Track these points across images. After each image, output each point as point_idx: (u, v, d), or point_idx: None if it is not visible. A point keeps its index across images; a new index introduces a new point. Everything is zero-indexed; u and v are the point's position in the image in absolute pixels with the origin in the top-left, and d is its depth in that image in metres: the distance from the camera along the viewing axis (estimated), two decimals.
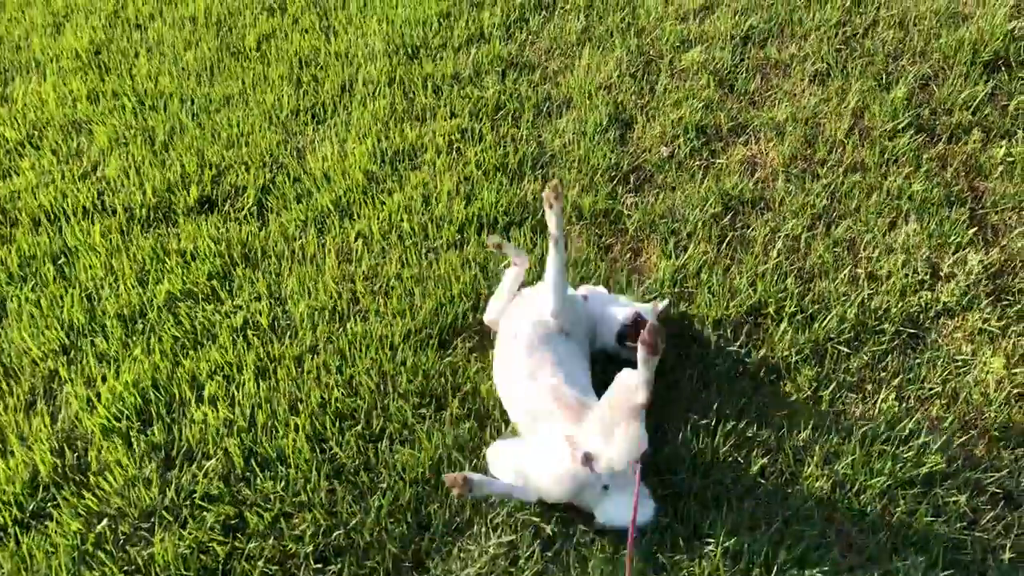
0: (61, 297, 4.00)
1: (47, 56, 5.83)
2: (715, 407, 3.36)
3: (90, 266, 4.15)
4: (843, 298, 3.77)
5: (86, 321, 3.87)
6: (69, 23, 6.23)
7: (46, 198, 4.56)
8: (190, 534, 3.07)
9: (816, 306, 3.75)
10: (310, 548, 3.01)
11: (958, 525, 3.02)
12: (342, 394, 3.45)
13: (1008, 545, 2.98)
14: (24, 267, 4.19)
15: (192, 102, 5.25)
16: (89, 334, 3.83)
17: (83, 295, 4.01)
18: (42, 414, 3.51)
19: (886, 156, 4.45)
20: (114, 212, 4.47)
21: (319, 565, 2.99)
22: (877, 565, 2.94)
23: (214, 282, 4.01)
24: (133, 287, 4.01)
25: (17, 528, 3.13)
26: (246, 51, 5.70)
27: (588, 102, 4.95)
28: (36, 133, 5.13)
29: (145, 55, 5.76)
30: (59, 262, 4.21)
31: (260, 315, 3.82)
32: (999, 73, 4.94)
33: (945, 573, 2.90)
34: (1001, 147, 4.46)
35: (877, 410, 3.36)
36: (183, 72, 5.53)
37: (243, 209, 4.44)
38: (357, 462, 3.24)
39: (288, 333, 3.75)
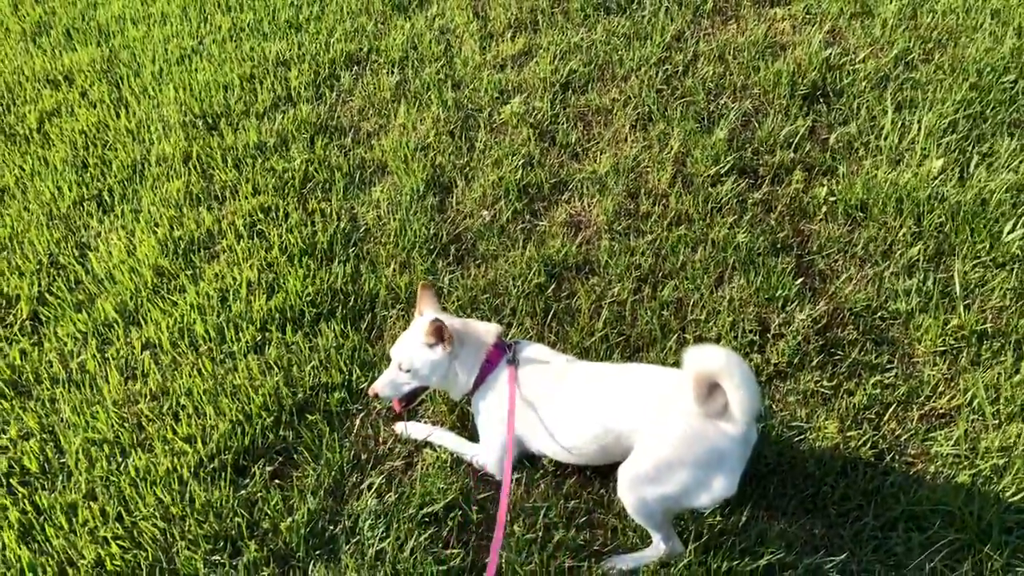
0: None
1: None
2: (543, 514, 3.08)
3: None
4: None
5: None
6: None
7: None
8: None
9: None
10: None
11: None
12: (120, 549, 3.00)
13: None
14: None
15: None
16: None
17: None
18: None
19: (710, 205, 4.31)
20: None
21: None
22: None
23: None
24: None
25: None
26: (27, 133, 5.15)
27: (404, 167, 4.64)
28: None
29: None
30: None
31: (28, 457, 3.32)
32: (818, 104, 4.91)
33: None
34: (824, 186, 4.39)
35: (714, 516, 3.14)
36: None
37: (15, 324, 3.92)
38: None
39: (60, 476, 3.28)
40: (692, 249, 4.10)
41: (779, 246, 4.11)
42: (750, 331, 3.71)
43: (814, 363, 3.58)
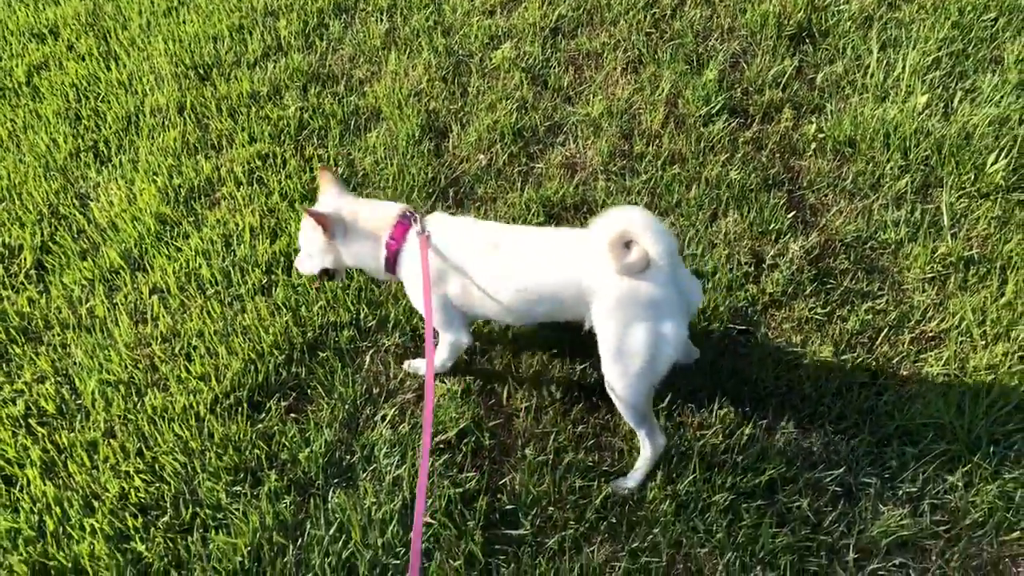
0: None
1: None
2: (552, 439, 3.20)
3: None
4: None
5: None
6: None
7: None
8: None
9: None
10: None
11: (803, 532, 2.96)
12: (144, 482, 3.08)
13: (851, 544, 2.94)
14: None
15: None
16: None
17: None
18: None
19: (703, 144, 4.39)
20: None
21: None
22: None
23: None
24: None
25: None
26: (15, 86, 5.12)
27: (399, 112, 4.68)
28: None
29: None
30: None
31: (45, 399, 3.38)
32: (804, 45, 4.98)
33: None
34: (812, 123, 4.48)
35: (715, 418, 3.27)
36: None
37: (19, 273, 3.95)
38: (166, 560, 2.90)
39: (79, 416, 3.34)
40: (686, 187, 4.19)
41: (770, 182, 4.20)
42: (745, 263, 3.81)
43: (807, 292, 3.70)
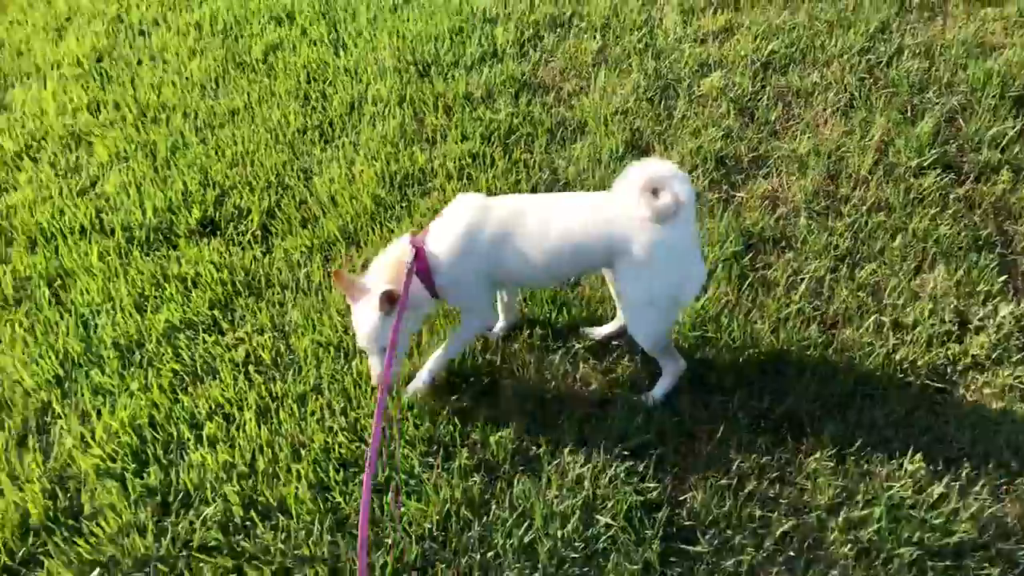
0: (56, 323, 3.86)
1: (48, 62, 5.67)
2: (736, 465, 3.22)
3: (87, 290, 4.00)
4: (868, 347, 3.63)
5: (82, 350, 3.72)
6: (71, 27, 6.08)
7: (43, 215, 4.41)
8: None
9: (840, 356, 3.61)
10: None
11: None
12: (346, 439, 3.30)
13: None
14: (19, 289, 4.06)
15: (196, 116, 5.10)
16: (84, 364, 3.68)
17: (79, 321, 3.86)
18: (34, 450, 3.37)
19: (911, 195, 4.31)
20: (112, 232, 4.32)
21: None
22: None
23: (215, 312, 3.87)
24: (131, 315, 3.87)
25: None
26: (253, 63, 5.55)
27: (604, 128, 4.81)
28: (35, 144, 4.99)
29: (148, 63, 5.61)
30: (55, 285, 4.07)
31: (263, 349, 3.67)
32: None
33: None
34: None
35: (904, 471, 3.22)
36: (187, 83, 5.38)
37: (247, 233, 4.29)
38: (351, 508, 3.10)
39: (291, 370, 3.61)
40: (891, 236, 4.13)
41: (981, 243, 4.09)
42: (948, 321, 3.72)
43: (1014, 359, 3.58)
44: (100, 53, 5.75)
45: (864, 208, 4.27)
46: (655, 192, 2.95)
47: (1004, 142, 4.57)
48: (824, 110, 4.89)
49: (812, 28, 5.51)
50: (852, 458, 3.26)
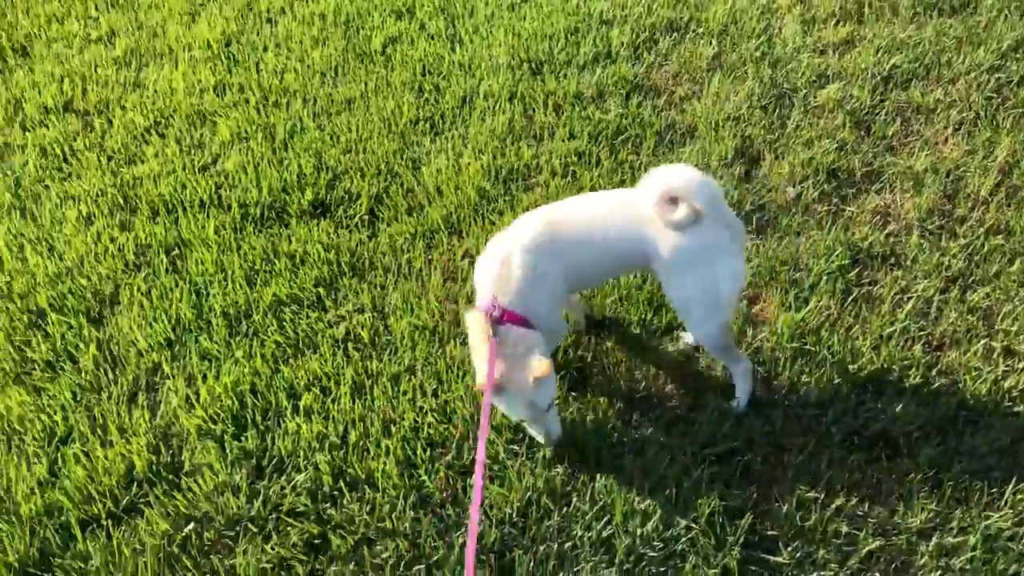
0: (171, 290, 4.06)
1: (180, 44, 5.97)
2: (825, 480, 3.15)
3: (201, 261, 4.19)
4: (975, 372, 3.50)
5: (193, 317, 3.91)
6: (204, 12, 6.37)
7: (166, 188, 4.65)
8: (273, 549, 3.05)
9: (944, 379, 3.48)
10: None
11: None
12: (436, 420, 3.37)
13: None
14: (139, 256, 4.28)
15: (315, 102, 5.28)
16: (195, 330, 3.87)
17: (192, 289, 4.05)
18: (143, 407, 3.57)
19: None
20: (229, 208, 4.52)
21: None
22: None
23: (320, 289, 4.00)
24: (241, 287, 4.04)
25: (109, 521, 3.17)
26: (371, 53, 5.72)
27: (714, 134, 4.76)
28: (163, 121, 5.25)
29: (273, 50, 5.83)
30: (172, 254, 4.28)
31: (362, 328, 3.79)
32: None
33: None
34: None
35: (1004, 502, 3.09)
36: (308, 70, 5.58)
37: (355, 216, 4.42)
38: (445, 494, 3.16)
39: (388, 350, 3.71)
40: (1009, 261, 3.96)
41: None
42: None
43: None
44: (229, 38, 6.01)
45: (982, 230, 4.11)
46: (674, 201, 2.92)
47: None
48: (945, 128, 4.72)
49: (939, 44, 5.32)
50: (949, 483, 3.14)
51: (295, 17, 6.18)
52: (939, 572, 2.91)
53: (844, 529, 3.03)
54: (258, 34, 6.04)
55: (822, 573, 2.92)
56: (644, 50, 5.51)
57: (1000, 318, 3.72)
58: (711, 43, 5.50)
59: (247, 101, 5.31)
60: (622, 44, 5.55)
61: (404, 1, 6.25)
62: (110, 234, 4.38)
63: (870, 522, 3.05)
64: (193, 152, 4.95)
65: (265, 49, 5.85)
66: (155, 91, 5.51)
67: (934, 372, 3.51)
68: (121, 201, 4.61)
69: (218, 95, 5.41)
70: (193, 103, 5.34)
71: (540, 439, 3.13)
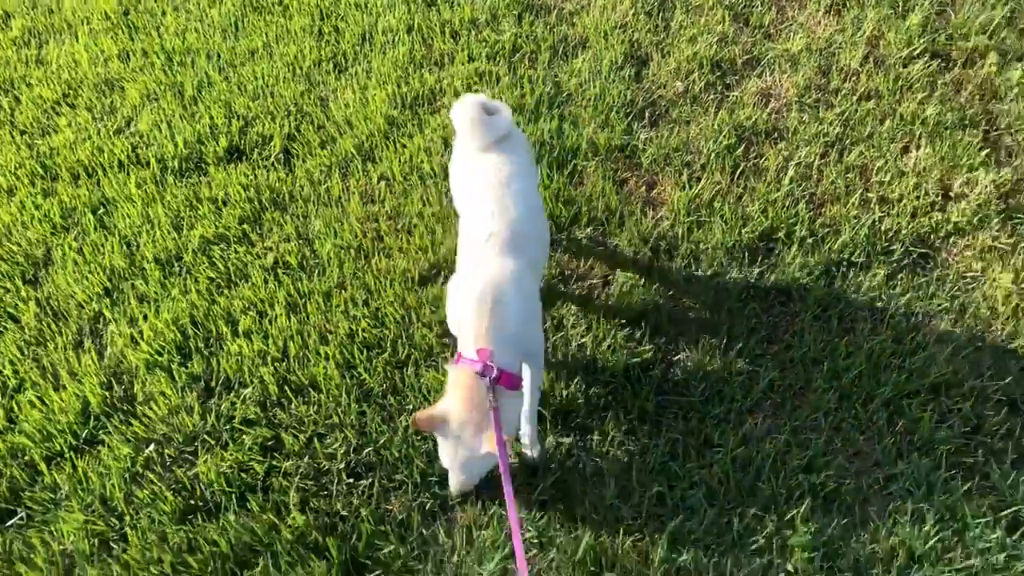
0: (102, 245, 4.21)
1: (78, 18, 5.99)
2: (726, 328, 3.49)
3: (127, 215, 4.34)
4: (854, 221, 3.85)
5: (126, 266, 4.07)
6: None
7: (84, 153, 4.75)
8: (231, 455, 3.28)
9: (827, 229, 3.83)
10: (343, 465, 3.21)
11: (962, 431, 3.13)
12: (369, 325, 3.62)
13: (1010, 448, 3.08)
14: (66, 218, 4.40)
15: (218, 57, 5.40)
16: (130, 277, 4.03)
17: (122, 242, 4.21)
18: (90, 351, 3.74)
19: (900, 83, 4.48)
20: (148, 164, 4.65)
21: (351, 480, 3.19)
22: (882, 469, 3.07)
23: (245, 226, 4.19)
24: (169, 233, 4.20)
25: (72, 453, 3.37)
26: (269, 6, 5.82)
27: (604, 42, 5.01)
28: (71, 92, 5.32)
29: (172, 14, 5.90)
30: (98, 212, 4.41)
31: (289, 255, 3.99)
32: None
33: (948, 474, 3.01)
34: (1017, 69, 4.47)
35: (885, 326, 3.46)
36: (209, 28, 5.67)
37: (270, 157, 4.60)
38: (384, 386, 3.42)
39: (316, 271, 3.93)
40: (880, 121, 4.31)
41: (967, 122, 4.26)
42: (932, 192, 3.93)
43: (994, 223, 3.78)
44: (126, 7, 6.04)
45: (854, 98, 4.46)
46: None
47: (992, 28, 4.70)
48: (817, 10, 5.04)
49: None
50: (836, 318, 3.50)
51: None
52: (832, 391, 3.27)
53: (746, 367, 3.37)
54: (155, 1, 6.09)
55: (729, 405, 3.26)
56: None
57: (875, 172, 4.08)
58: None
59: (152, 65, 5.40)
60: None
61: None
62: (34, 201, 4.49)
63: (768, 358, 3.40)
64: (106, 118, 5.05)
65: (164, 14, 5.91)
66: (59, 65, 5.55)
67: (818, 224, 3.86)
68: (41, 170, 4.71)
69: (123, 62, 5.48)
70: (99, 72, 5.42)
71: (451, 485, 2.89)
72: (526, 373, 2.96)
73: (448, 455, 2.80)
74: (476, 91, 4.71)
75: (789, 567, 2.86)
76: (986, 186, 3.91)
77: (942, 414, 3.19)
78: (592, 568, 2.87)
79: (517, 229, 2.94)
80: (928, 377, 3.25)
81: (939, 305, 3.53)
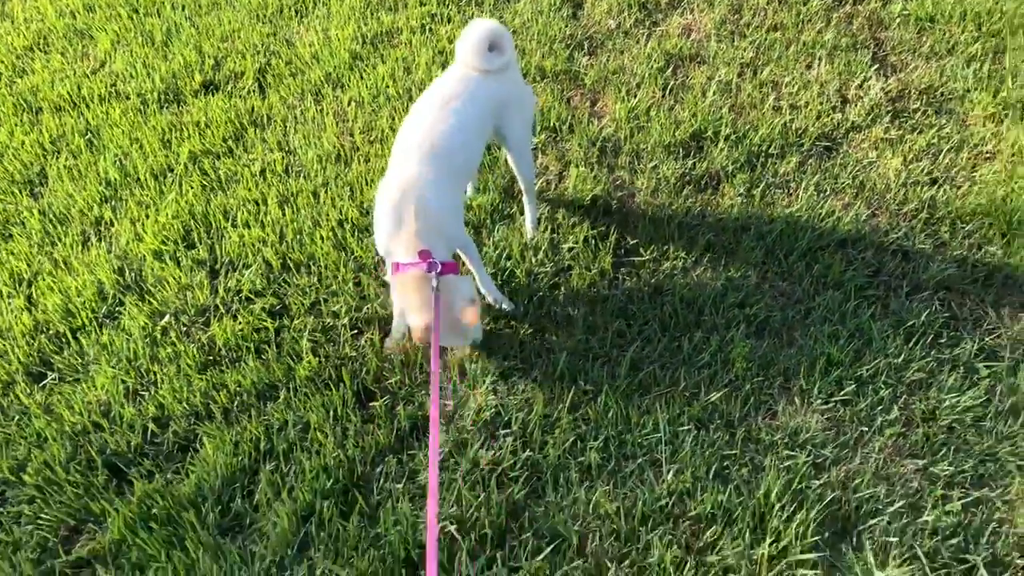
0: (94, 163, 4.55)
1: None
2: (667, 206, 4.07)
3: (115, 139, 4.69)
4: (769, 122, 4.49)
5: (121, 178, 4.43)
6: None
7: (64, 89, 5.07)
8: (243, 319, 3.69)
9: (747, 127, 4.46)
10: (345, 320, 3.66)
11: (866, 272, 3.77)
12: (358, 214, 4.08)
13: (904, 284, 3.73)
14: (55, 143, 4.72)
15: (183, 8, 5.77)
16: (126, 187, 4.39)
17: (114, 160, 4.55)
18: (97, 247, 4.09)
19: (801, 17, 5.17)
20: (128, 97, 5.00)
21: (355, 331, 3.63)
22: (802, 303, 3.68)
23: (229, 142, 4.60)
24: (158, 150, 4.57)
25: (95, 324, 3.73)
26: None
27: None
28: (41, 40, 5.62)
29: None
30: (87, 136, 4.74)
31: (275, 163, 4.42)
32: None
33: (856, 304, 3.64)
34: (899, 3, 5.21)
35: (799, 199, 4.09)
36: None
37: (244, 88, 5.01)
38: (376, 259, 3.88)
39: (302, 174, 4.36)
40: (786, 47, 4.99)
41: (858, 46, 4.97)
42: (832, 98, 4.60)
43: (885, 120, 4.47)
44: None
45: (763, 30, 5.13)
46: (492, 49, 3.35)
47: None
48: None
49: None
50: (758, 195, 4.12)
51: None
52: (760, 250, 3.87)
53: (686, 233, 3.96)
54: None
55: (674, 262, 3.84)
56: None
57: (784, 85, 4.73)
58: None
59: (119, 15, 5.73)
60: None
61: None
62: (23, 129, 4.79)
63: (705, 224, 3.99)
64: (80, 60, 5.37)
65: None
66: (25, 19, 5.83)
67: (738, 124, 4.48)
68: (24, 104, 5.01)
69: (89, 12, 5.80)
70: (67, 23, 5.72)
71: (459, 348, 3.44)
72: (465, 257, 3.43)
73: (447, 341, 3.17)
74: (431, 28, 5.22)
75: (731, 376, 3.43)
76: (877, 92, 4.60)
77: (849, 261, 3.82)
78: (568, 382, 3.39)
79: (440, 141, 3.18)
80: (837, 234, 3.89)
81: (843, 183, 4.18)
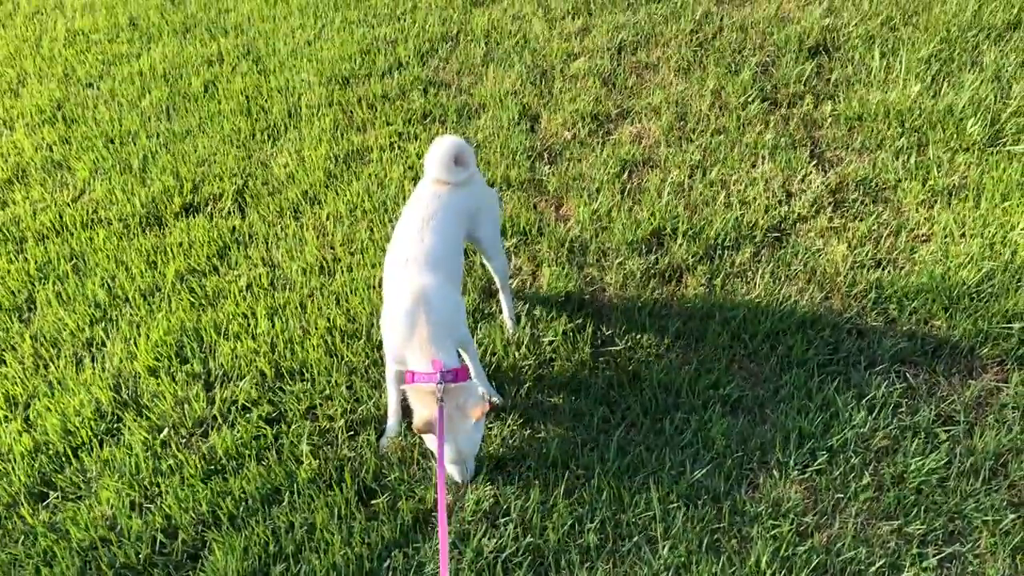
0: (82, 286, 4.70)
1: (11, 114, 6.50)
2: (638, 298, 4.35)
3: (100, 263, 4.85)
4: (722, 217, 4.85)
5: (110, 299, 4.58)
6: (25, 88, 6.93)
7: (46, 218, 5.25)
8: (241, 427, 3.82)
9: (703, 223, 4.81)
10: (341, 422, 3.81)
11: (826, 350, 4.06)
12: (345, 322, 4.27)
13: (862, 359, 4.02)
14: (42, 269, 4.87)
15: (157, 136, 6.04)
16: (116, 307, 4.53)
17: (102, 282, 4.71)
18: (91, 367, 4.20)
19: (742, 121, 5.63)
20: (110, 223, 5.19)
21: (351, 432, 3.78)
22: (770, 382, 3.94)
23: (214, 260, 4.79)
24: (144, 271, 4.75)
25: (95, 440, 3.81)
26: (195, 95, 6.54)
27: (500, 104, 5.99)
28: (20, 173, 5.81)
29: (104, 106, 6.51)
30: (72, 262, 4.90)
31: (261, 277, 4.62)
32: (820, 56, 6.25)
33: (819, 379, 3.92)
34: (828, 106, 5.71)
35: (757, 287, 4.41)
36: (143, 115, 6.32)
37: (224, 208, 5.24)
38: (367, 363, 4.06)
39: (288, 287, 4.56)
40: (730, 148, 5.41)
41: (796, 144, 5.42)
42: (778, 193, 5.00)
43: (828, 210, 4.86)
44: (58, 102, 6.61)
45: (707, 134, 5.56)
46: (457, 162, 3.64)
47: (805, 78, 5.97)
48: (669, 74, 6.22)
49: (652, 20, 6.90)
50: (719, 284, 4.43)
51: (114, 79, 6.89)
52: (726, 335, 4.15)
53: (656, 323, 4.22)
54: (85, 97, 6.68)
55: (647, 349, 4.09)
56: (428, 57, 6.71)
57: (732, 183, 5.13)
58: (480, 45, 6.78)
59: (94, 146, 5.97)
60: (409, 56, 6.72)
61: (210, 53, 7.12)
62: (8, 258, 4.93)
63: (673, 313, 4.27)
64: (60, 190, 5.56)
65: (95, 106, 6.52)
66: (2, 153, 6.03)
67: (694, 220, 4.83)
68: (7, 234, 5.16)
69: (66, 145, 6.03)
70: (44, 156, 5.94)
71: (456, 477, 3.47)
72: (466, 355, 3.67)
73: (446, 452, 3.26)
74: (400, 146, 5.56)
75: (712, 453, 3.65)
76: (818, 185, 5.01)
77: (809, 341, 4.11)
78: (560, 467, 3.57)
79: (432, 253, 3.44)
80: (795, 316, 4.20)
81: (795, 269, 4.52)
